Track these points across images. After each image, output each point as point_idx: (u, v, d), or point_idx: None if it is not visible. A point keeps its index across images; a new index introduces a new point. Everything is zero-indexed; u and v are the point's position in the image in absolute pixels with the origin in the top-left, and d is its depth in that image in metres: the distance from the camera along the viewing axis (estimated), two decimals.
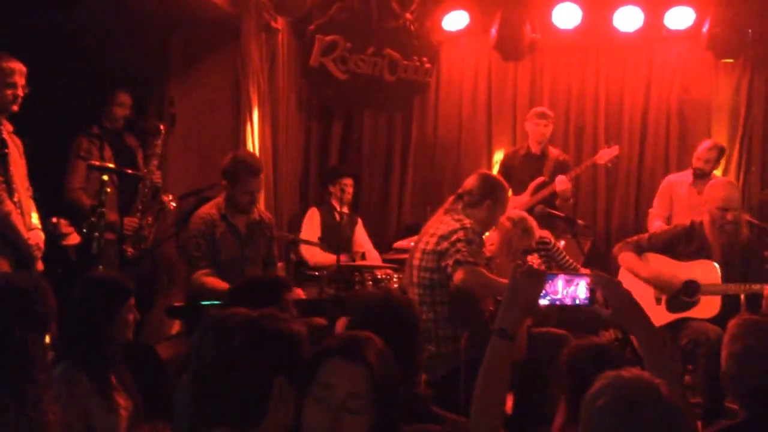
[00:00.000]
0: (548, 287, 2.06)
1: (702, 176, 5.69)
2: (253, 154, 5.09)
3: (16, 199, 3.84)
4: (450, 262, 3.75)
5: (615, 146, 6.04)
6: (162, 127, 4.96)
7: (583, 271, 4.82)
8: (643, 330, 2.02)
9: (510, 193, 5.10)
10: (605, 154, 6.01)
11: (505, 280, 3.87)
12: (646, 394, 1.57)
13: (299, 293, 4.53)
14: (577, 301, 2.08)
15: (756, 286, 4.27)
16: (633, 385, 1.59)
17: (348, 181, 5.94)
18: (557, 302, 2.07)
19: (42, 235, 3.98)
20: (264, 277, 4.01)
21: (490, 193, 4.00)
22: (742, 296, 4.39)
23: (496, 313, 2.07)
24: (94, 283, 2.97)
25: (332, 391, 1.71)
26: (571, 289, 2.09)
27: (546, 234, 5.00)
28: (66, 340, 2.82)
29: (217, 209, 4.33)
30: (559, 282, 2.09)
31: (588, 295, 2.07)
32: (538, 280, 2.04)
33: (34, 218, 3.97)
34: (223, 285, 4.12)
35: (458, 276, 3.71)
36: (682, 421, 1.57)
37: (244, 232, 4.38)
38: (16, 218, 3.81)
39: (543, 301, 2.05)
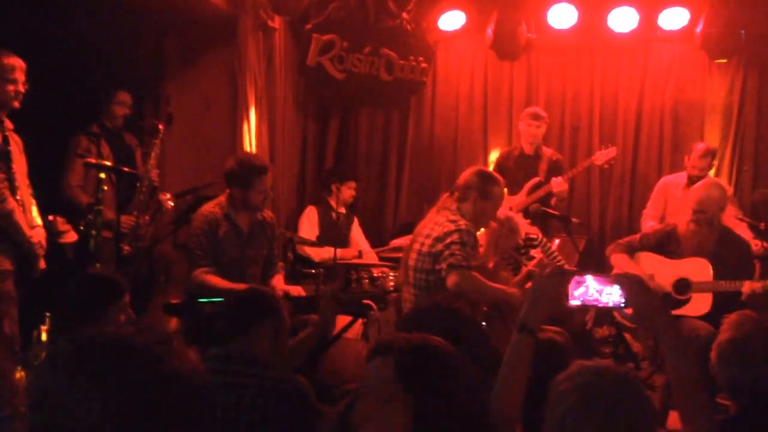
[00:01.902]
0: (586, 289, 2.05)
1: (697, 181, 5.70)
2: (254, 154, 5.12)
3: (18, 197, 3.82)
4: (444, 265, 3.76)
5: (612, 147, 6.06)
6: (161, 126, 4.98)
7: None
8: (666, 331, 1.99)
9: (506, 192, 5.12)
10: (602, 155, 6.03)
11: (498, 285, 3.90)
12: (611, 381, 1.61)
13: (299, 291, 4.56)
14: (612, 303, 2.06)
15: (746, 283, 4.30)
16: (598, 373, 1.63)
17: (353, 184, 5.99)
18: (592, 304, 2.06)
19: (44, 233, 3.97)
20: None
21: (476, 187, 3.97)
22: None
23: (491, 313, 2.10)
24: (87, 281, 2.99)
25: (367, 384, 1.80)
26: (606, 290, 2.07)
27: (534, 231, 5.03)
28: (58, 335, 2.84)
29: (220, 208, 4.34)
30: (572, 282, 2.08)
31: (624, 297, 2.04)
32: (562, 279, 2.06)
33: (36, 216, 3.96)
34: (224, 283, 4.14)
35: (451, 280, 3.72)
36: (644, 408, 1.61)
37: (247, 231, 4.39)
38: (19, 216, 3.79)
39: (575, 302, 2.06)
